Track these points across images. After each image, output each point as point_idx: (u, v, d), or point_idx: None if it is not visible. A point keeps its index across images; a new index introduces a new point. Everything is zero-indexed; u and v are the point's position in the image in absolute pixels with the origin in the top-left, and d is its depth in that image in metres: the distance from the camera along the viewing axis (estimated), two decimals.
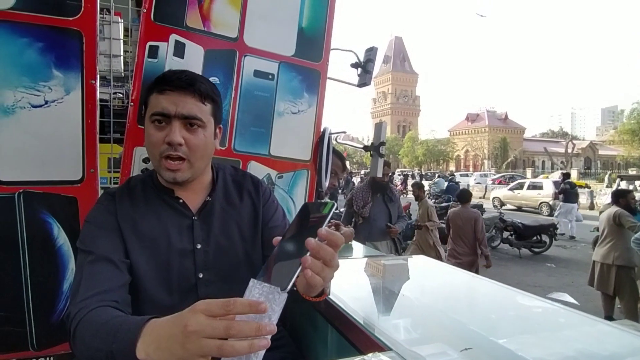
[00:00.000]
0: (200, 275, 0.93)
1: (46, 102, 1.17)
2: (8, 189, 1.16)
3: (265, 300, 0.53)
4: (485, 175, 27.15)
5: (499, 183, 23.09)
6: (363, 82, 1.78)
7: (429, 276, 1.53)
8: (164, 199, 0.95)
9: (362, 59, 1.75)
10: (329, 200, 0.61)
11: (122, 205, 0.92)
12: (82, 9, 1.17)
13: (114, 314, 0.73)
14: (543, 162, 58.10)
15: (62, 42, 1.17)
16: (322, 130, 1.57)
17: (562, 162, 44.66)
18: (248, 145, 1.43)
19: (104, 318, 0.71)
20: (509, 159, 51.11)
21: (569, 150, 42.03)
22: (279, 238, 0.63)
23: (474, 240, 4.38)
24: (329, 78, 1.60)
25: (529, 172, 35.47)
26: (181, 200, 0.95)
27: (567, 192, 10.14)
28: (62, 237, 1.23)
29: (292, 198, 1.51)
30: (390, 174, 4.50)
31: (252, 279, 0.56)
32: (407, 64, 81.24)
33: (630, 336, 0.93)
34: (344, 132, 1.73)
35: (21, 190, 1.18)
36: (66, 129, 1.20)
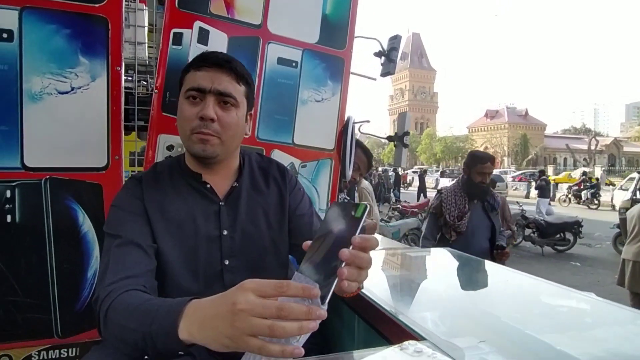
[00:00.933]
0: (226, 262, 0.91)
1: (72, 89, 1.17)
2: (35, 175, 1.17)
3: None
4: (505, 173, 26.62)
5: (520, 180, 22.60)
6: (387, 71, 1.73)
7: (455, 268, 1.48)
8: (191, 184, 0.94)
9: (385, 47, 1.71)
10: (361, 202, 0.58)
11: (149, 189, 0.91)
12: None
13: (147, 297, 0.72)
14: (565, 159, 56.63)
15: (88, 28, 1.17)
16: (346, 119, 1.54)
17: (584, 159, 43.44)
18: (271, 133, 1.41)
19: (137, 301, 0.70)
20: (530, 156, 50.03)
21: (592, 147, 40.85)
22: (309, 243, 0.59)
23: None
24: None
25: (550, 169, 34.58)
26: (208, 186, 0.94)
27: (542, 188, 11.01)
28: (87, 224, 1.23)
29: (316, 187, 1.49)
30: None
31: (295, 272, 0.55)
32: (425, 60, 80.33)
33: None
34: (368, 121, 1.70)
35: (47, 177, 1.18)
36: (92, 115, 1.20)
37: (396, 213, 8.72)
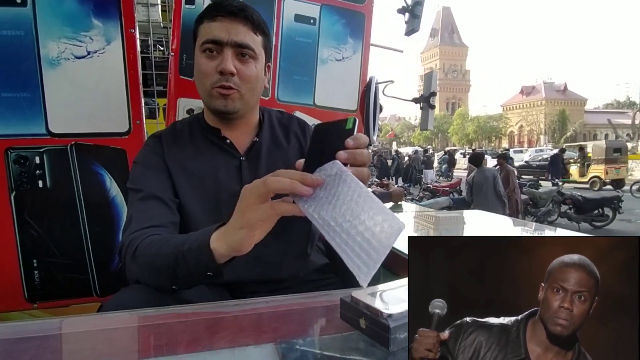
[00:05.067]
0: None
1: (89, 53, 1.17)
2: (60, 141, 1.19)
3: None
4: (541, 151, 25.46)
5: None
6: (412, 28, 1.65)
7: (484, 227, 1.41)
8: (211, 140, 0.92)
9: (409, 2, 1.62)
10: (349, 117, 0.56)
11: (169, 146, 0.90)
12: None
13: (177, 234, 0.75)
14: (606, 135, 53.51)
15: None
16: (368, 78, 1.47)
17: (627, 135, 40.91)
18: (292, 94, 1.37)
19: (166, 237, 0.72)
20: (568, 133, 47.64)
21: (637, 121, 38.36)
22: (302, 161, 0.58)
23: (495, 196, 5.10)
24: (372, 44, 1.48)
25: (590, 145, 32.71)
26: (228, 141, 0.92)
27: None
28: (114, 189, 1.25)
29: None
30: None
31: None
32: (456, 36, 77.44)
33: None
34: (392, 82, 1.62)
35: (73, 143, 1.20)
36: (110, 80, 1.20)
37: (427, 193, 8.57)
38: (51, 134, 1.18)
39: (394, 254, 0.88)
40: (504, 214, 5.01)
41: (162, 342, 0.54)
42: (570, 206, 7.27)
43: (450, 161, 17.09)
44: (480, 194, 5.21)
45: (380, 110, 1.39)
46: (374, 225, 0.45)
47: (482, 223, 1.49)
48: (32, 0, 1.10)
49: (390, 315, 0.47)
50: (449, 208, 6.84)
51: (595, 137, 52.01)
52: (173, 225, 0.82)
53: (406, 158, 15.66)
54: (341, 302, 0.54)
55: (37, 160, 1.19)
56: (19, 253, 1.20)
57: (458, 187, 9.13)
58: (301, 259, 0.94)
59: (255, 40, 0.86)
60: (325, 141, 0.56)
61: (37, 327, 0.59)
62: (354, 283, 0.46)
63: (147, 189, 0.83)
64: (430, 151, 23.70)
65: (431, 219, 1.36)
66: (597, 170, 13.39)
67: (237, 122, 0.92)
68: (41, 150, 1.18)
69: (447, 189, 8.73)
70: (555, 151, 15.37)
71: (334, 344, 0.50)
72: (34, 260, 1.22)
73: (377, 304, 0.49)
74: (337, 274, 1.02)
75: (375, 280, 0.48)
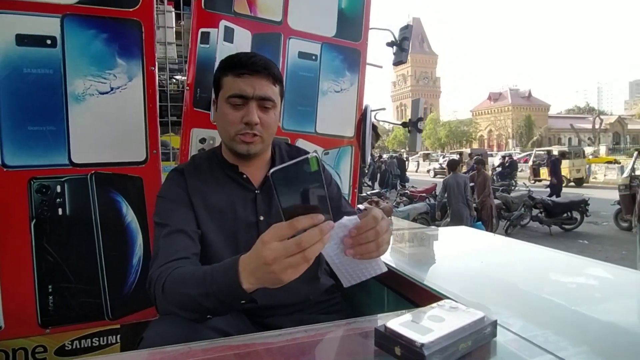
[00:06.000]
0: None
1: (112, 89, 1.26)
2: (82, 170, 1.26)
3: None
4: (510, 155, 26.52)
5: (525, 162, 22.51)
6: (399, 59, 1.81)
7: (475, 244, 1.57)
8: (229, 175, 1.02)
9: (397, 37, 1.77)
10: (307, 155, 0.60)
11: (192, 180, 0.99)
12: (141, 0, 1.25)
13: (196, 267, 0.82)
14: (569, 139, 56.14)
15: (123, 32, 1.25)
16: (363, 107, 1.61)
17: (589, 139, 43.10)
18: (295, 123, 1.49)
19: (189, 271, 0.80)
20: (535, 138, 49.68)
21: (597, 126, 40.49)
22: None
23: (463, 199, 5.71)
24: None
25: (555, 149, 34.24)
26: (245, 176, 1.01)
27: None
28: (130, 215, 1.33)
29: (338, 173, 1.57)
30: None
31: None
32: (426, 44, 79.45)
33: None
34: (384, 109, 1.77)
35: (93, 172, 1.27)
36: (130, 113, 1.28)
37: (404, 198, 8.78)
38: (73, 163, 1.25)
39: (412, 283, 0.99)
40: (469, 215, 5.82)
41: None
42: (541, 210, 7.63)
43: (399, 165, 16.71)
44: (452, 195, 5.81)
45: (378, 139, 1.53)
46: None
47: (471, 238, 1.64)
48: (62, 42, 1.18)
49: (423, 345, 0.53)
50: (426, 213, 7.10)
51: (559, 141, 54.43)
52: (195, 256, 0.91)
53: (382, 164, 15.87)
54: (376, 332, 0.60)
55: (58, 189, 1.25)
56: (35, 280, 1.25)
57: (434, 192, 9.40)
58: (313, 283, 1.04)
59: (274, 91, 0.97)
60: (293, 185, 0.60)
61: None
62: (355, 303, 0.58)
63: (173, 224, 0.91)
64: (405, 155, 24.31)
65: (424, 236, 1.50)
66: (563, 170, 15.34)
67: (253, 159, 1.02)
68: (62, 179, 1.25)
69: (423, 194, 8.99)
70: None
71: None
72: (49, 286, 1.27)
73: (411, 334, 0.55)
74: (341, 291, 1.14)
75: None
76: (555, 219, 7.56)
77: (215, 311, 0.76)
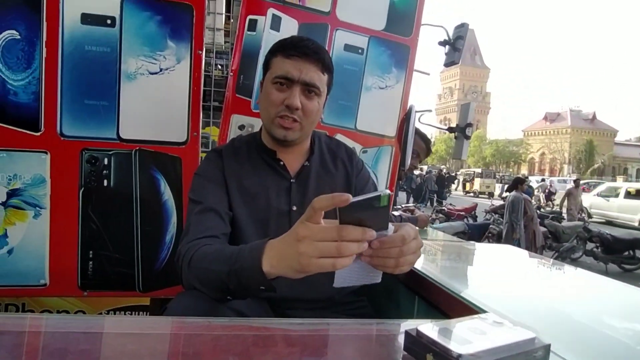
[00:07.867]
0: None
1: (161, 70, 1.30)
2: (127, 146, 1.31)
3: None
4: (564, 181, 24.85)
5: (583, 190, 21.01)
6: (451, 60, 1.73)
7: (522, 263, 1.46)
8: (266, 160, 1.01)
9: (451, 36, 1.70)
10: (379, 192, 0.58)
11: (229, 161, 0.99)
12: None
13: (225, 246, 0.81)
14: (638, 170, 51.82)
15: (176, 15, 1.29)
16: (408, 107, 1.56)
17: None
18: (335, 118, 1.47)
19: (219, 247, 0.79)
20: (596, 165, 46.36)
21: None
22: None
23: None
24: None
25: (620, 180, 31.57)
26: (282, 163, 1.00)
27: None
28: (167, 193, 1.36)
29: (376, 174, 1.53)
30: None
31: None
32: (478, 57, 77.09)
33: None
34: (430, 111, 1.70)
35: (137, 148, 1.32)
36: (176, 94, 1.32)
37: (440, 215, 8.29)
38: (120, 139, 1.30)
39: (446, 293, 0.92)
40: (511, 237, 5.66)
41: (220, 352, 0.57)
42: (598, 244, 6.75)
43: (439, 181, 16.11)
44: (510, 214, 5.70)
45: (429, 154, 1.45)
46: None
47: (509, 256, 1.53)
48: (120, 22, 1.24)
49: (461, 356, 0.46)
50: (463, 233, 6.65)
51: (625, 172, 50.31)
52: (224, 236, 0.91)
53: (418, 178, 15.28)
54: (406, 335, 0.54)
55: (106, 161, 1.31)
56: (79, 244, 1.32)
57: (474, 212, 8.91)
58: None
59: (322, 79, 0.94)
60: (359, 217, 0.59)
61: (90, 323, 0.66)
62: (381, 309, 0.53)
63: (206, 202, 0.92)
64: (444, 171, 23.41)
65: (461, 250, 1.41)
66: None
67: (291, 146, 1.00)
68: (110, 153, 1.31)
69: (462, 213, 8.53)
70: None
71: None
72: (90, 252, 1.33)
73: (447, 342, 0.49)
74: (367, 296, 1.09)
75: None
76: (614, 256, 6.63)
77: (235, 293, 0.75)
